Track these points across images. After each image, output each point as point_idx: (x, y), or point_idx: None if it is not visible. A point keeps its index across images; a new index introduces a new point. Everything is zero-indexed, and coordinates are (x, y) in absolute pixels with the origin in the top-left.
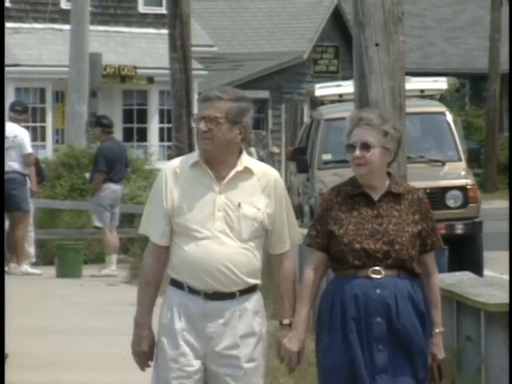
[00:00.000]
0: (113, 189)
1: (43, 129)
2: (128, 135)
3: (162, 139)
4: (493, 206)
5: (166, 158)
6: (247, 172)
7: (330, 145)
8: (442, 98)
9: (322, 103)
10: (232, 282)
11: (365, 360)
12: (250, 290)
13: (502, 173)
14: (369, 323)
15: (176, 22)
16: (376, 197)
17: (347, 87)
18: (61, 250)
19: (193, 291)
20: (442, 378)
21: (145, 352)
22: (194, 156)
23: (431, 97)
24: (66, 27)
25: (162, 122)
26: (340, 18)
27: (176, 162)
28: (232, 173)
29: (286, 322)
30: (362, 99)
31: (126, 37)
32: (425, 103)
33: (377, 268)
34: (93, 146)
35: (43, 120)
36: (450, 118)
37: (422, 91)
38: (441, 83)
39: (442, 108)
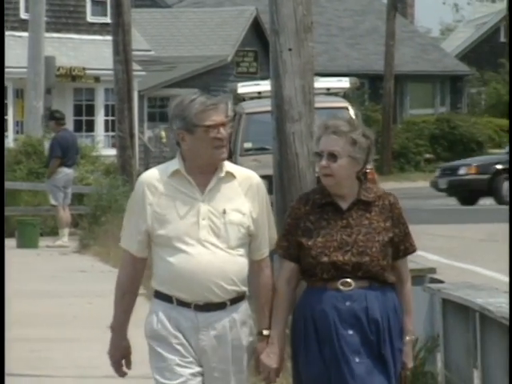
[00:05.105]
0: (66, 172)
1: (5, 121)
2: (78, 126)
3: (107, 130)
4: (387, 186)
5: (110, 146)
6: (229, 177)
7: (250, 135)
8: (345, 95)
9: (244, 99)
10: (224, 291)
11: (343, 375)
12: (239, 298)
13: (395, 159)
14: (342, 336)
15: (119, 29)
16: (345, 206)
17: (265, 86)
18: (20, 224)
19: (182, 304)
20: None
21: (118, 360)
22: (173, 164)
23: (336, 94)
24: (25, 34)
25: (107, 115)
26: (259, 26)
27: (153, 172)
28: (214, 179)
29: (266, 332)
30: (277, 96)
31: (76, 42)
32: (330, 99)
33: (346, 280)
34: (47, 136)
35: (5, 114)
36: (352, 112)
37: (328, 89)
38: (344, 82)
39: (345, 103)
